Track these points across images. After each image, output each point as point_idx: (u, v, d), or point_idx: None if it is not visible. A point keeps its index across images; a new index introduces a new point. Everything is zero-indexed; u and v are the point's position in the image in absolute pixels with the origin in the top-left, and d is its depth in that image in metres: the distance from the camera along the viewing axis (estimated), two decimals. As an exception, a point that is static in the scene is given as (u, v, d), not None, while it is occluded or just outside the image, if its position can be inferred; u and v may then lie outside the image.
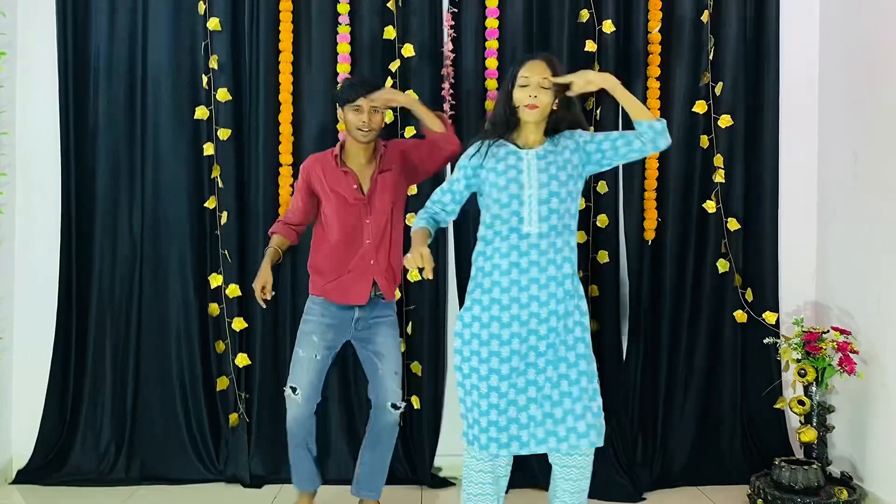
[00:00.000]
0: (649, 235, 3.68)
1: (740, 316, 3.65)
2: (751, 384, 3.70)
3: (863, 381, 3.30)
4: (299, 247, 3.61)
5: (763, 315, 3.60)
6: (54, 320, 3.65)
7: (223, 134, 3.61)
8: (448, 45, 3.64)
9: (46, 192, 3.68)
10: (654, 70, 3.65)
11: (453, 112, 3.63)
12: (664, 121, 2.59)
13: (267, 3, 3.61)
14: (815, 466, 3.18)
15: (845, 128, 3.54)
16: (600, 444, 2.55)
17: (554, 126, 2.64)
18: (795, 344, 3.35)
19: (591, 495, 3.36)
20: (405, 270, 3.18)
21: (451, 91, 3.64)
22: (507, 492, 3.51)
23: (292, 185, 3.60)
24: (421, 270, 2.46)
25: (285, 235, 3.10)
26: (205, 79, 3.62)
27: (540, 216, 2.52)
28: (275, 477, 3.61)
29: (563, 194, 2.54)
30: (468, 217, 3.60)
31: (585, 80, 2.56)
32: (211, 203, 3.64)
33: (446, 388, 3.72)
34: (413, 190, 3.46)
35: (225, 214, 3.62)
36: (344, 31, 3.62)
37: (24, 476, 3.60)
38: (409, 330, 3.63)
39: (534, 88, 2.53)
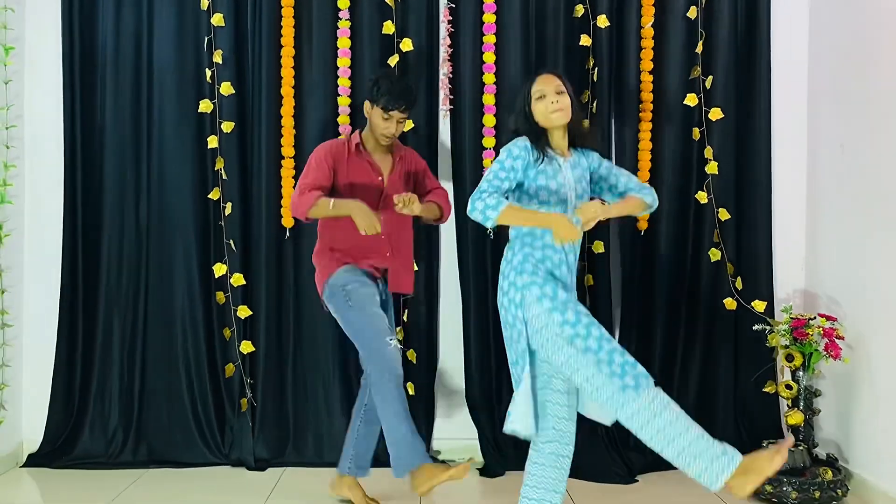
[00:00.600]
0: (643, 226, 3.77)
1: (730, 303, 3.74)
2: (743, 370, 3.80)
3: (848, 365, 3.39)
4: (302, 239, 3.72)
5: (752, 303, 3.70)
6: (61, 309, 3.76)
7: (227, 127, 3.70)
8: (446, 41, 3.73)
9: (54, 185, 3.77)
10: (647, 64, 3.74)
11: (451, 107, 3.72)
12: (655, 197, 2.77)
13: (269, -1, 3.71)
14: (801, 448, 3.28)
15: (833, 120, 3.63)
16: None
17: (571, 137, 2.72)
18: (783, 330, 3.45)
19: (585, 477, 3.51)
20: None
21: (450, 85, 3.73)
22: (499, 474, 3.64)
23: (294, 177, 3.69)
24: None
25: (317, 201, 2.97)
26: (208, 73, 3.71)
27: (577, 219, 2.59)
28: (278, 460, 3.71)
29: None
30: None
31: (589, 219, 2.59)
32: (215, 194, 3.73)
33: (437, 375, 3.83)
34: None
35: (229, 205, 3.71)
36: (344, 25, 3.71)
37: (35, 460, 3.70)
38: (404, 318, 3.73)
39: (552, 96, 2.61)
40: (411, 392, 3.71)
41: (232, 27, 3.72)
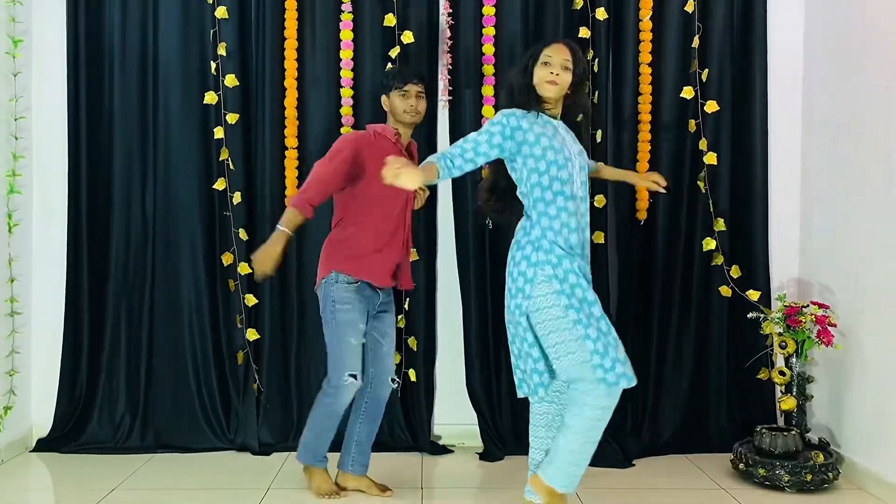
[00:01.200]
0: (641, 216, 3.83)
1: (724, 291, 3.80)
2: (738, 358, 3.86)
3: (840, 352, 3.46)
4: (306, 227, 3.77)
5: (747, 292, 3.76)
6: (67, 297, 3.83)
7: (231, 118, 3.76)
8: (446, 32, 3.79)
9: (62, 175, 3.83)
10: (646, 56, 3.79)
11: (451, 97, 3.78)
12: None
13: (272, -9, 3.76)
14: (794, 433, 3.34)
15: (827, 113, 3.68)
16: None
17: (563, 112, 2.77)
18: (777, 318, 3.51)
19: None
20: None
21: (449, 77, 3.79)
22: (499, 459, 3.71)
23: (298, 168, 3.76)
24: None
25: (303, 212, 2.97)
26: (213, 65, 3.76)
27: (581, 181, 2.68)
28: (282, 445, 3.78)
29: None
30: (466, 192, 3.77)
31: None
32: (220, 185, 3.79)
33: (437, 361, 3.90)
34: None
35: (238, 195, 3.77)
36: (346, 18, 3.77)
37: (44, 444, 3.78)
38: (406, 306, 3.79)
39: (556, 67, 2.64)
40: (413, 379, 3.79)
41: (236, 20, 3.77)
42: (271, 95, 3.77)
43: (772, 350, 3.65)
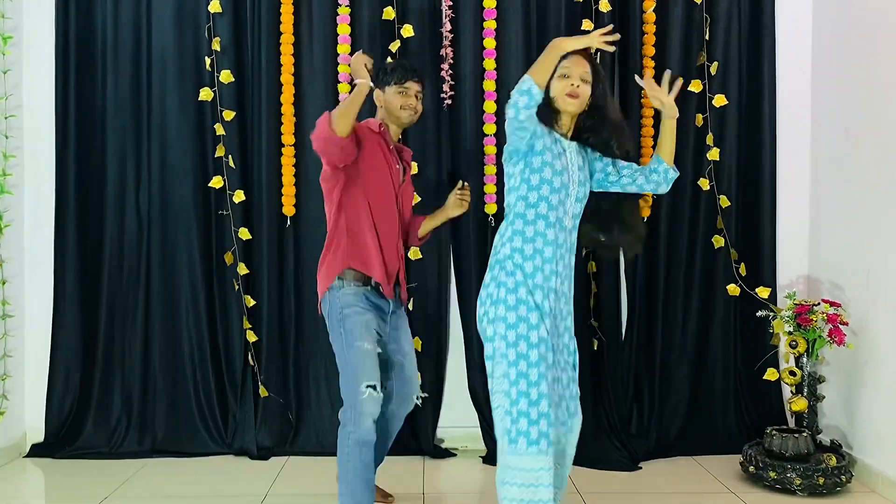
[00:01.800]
0: (645, 213, 3.74)
1: (733, 289, 3.73)
2: (746, 357, 3.79)
3: (853, 351, 3.38)
4: (304, 226, 3.71)
5: (756, 290, 3.68)
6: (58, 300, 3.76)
7: (227, 115, 3.68)
8: (447, 26, 3.70)
9: (53, 175, 3.75)
10: (649, 49, 3.71)
11: (452, 92, 3.70)
12: (678, 173, 2.64)
13: (267, -16, 3.68)
14: (805, 434, 3.26)
15: (837, 105, 3.60)
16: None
17: (577, 133, 2.59)
18: (787, 317, 3.43)
19: (588, 465, 3.50)
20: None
21: (450, 71, 3.70)
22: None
23: (295, 165, 3.68)
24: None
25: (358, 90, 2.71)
26: (208, 61, 3.68)
27: (574, 213, 2.51)
28: (280, 449, 3.72)
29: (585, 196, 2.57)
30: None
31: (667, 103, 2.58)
32: (216, 183, 3.71)
33: (447, 364, 3.82)
34: None
35: (239, 193, 3.69)
36: (344, 12, 3.68)
37: (38, 450, 3.71)
38: (409, 306, 3.72)
39: (576, 79, 2.46)
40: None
41: (230, 14, 3.70)
42: (267, 91, 3.69)
43: (779, 349, 3.57)
